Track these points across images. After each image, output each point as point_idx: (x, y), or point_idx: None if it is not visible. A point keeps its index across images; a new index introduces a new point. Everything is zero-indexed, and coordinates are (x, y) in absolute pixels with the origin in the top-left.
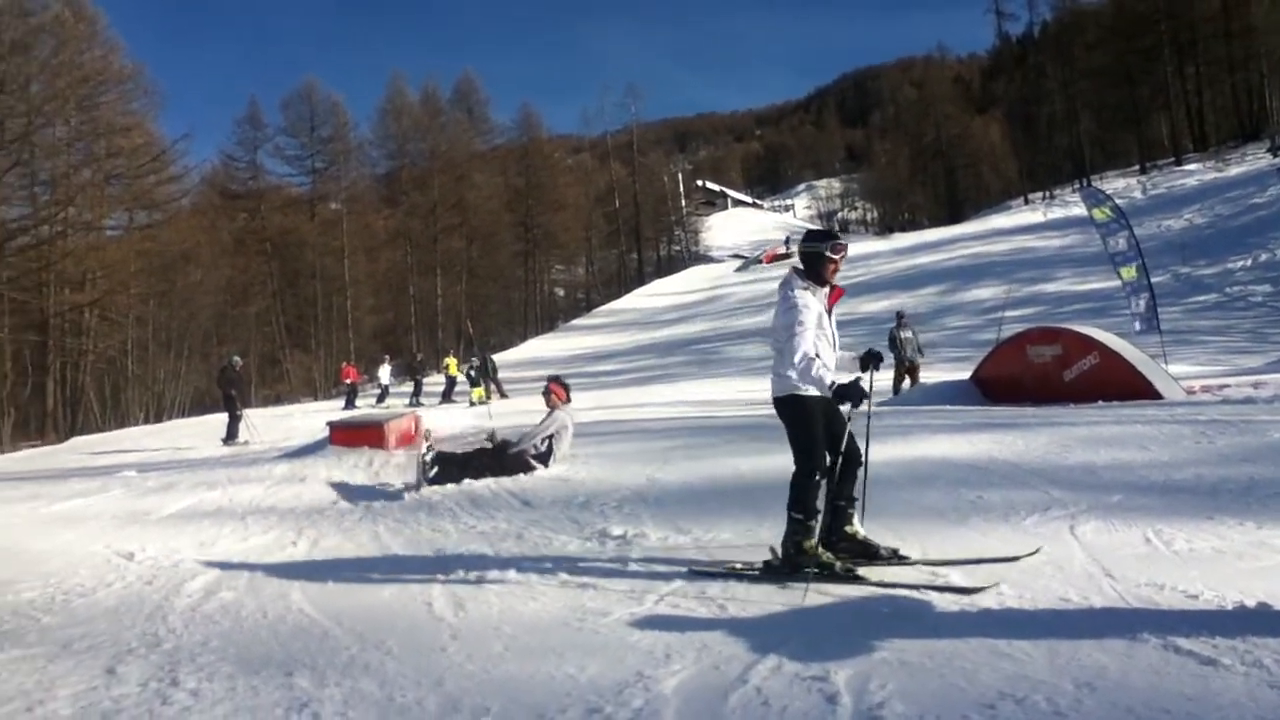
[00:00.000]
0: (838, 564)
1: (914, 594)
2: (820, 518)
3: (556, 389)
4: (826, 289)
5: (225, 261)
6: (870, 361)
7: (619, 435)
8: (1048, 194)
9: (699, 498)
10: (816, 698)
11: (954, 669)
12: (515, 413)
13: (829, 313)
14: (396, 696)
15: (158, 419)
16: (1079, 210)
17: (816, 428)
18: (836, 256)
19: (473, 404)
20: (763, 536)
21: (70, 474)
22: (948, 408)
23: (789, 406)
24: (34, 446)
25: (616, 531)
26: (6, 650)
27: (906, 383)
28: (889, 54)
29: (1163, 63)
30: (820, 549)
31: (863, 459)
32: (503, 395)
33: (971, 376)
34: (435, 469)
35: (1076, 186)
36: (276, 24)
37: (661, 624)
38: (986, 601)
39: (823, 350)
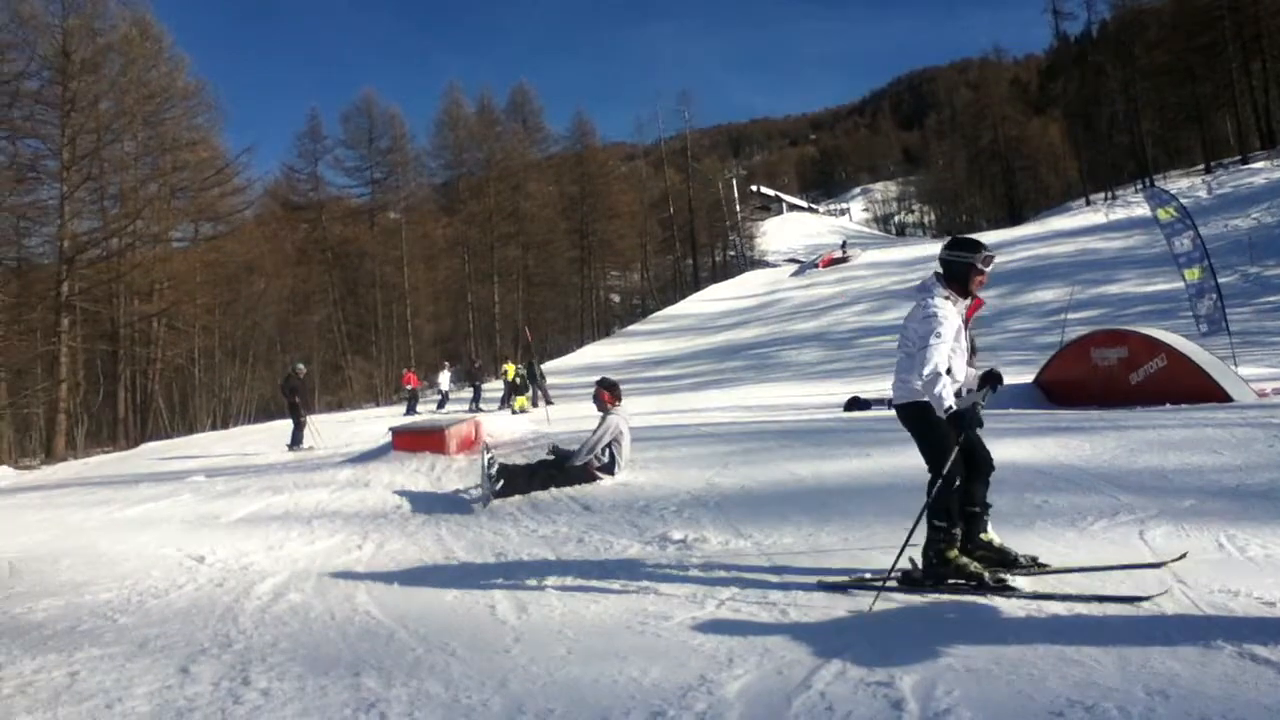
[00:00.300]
0: (986, 574)
1: (981, 600)
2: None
3: (605, 393)
4: (967, 300)
5: (288, 271)
6: (991, 382)
7: (677, 440)
8: (1109, 194)
9: (758, 502)
10: (881, 703)
11: (1021, 676)
12: (572, 418)
13: (966, 325)
14: (462, 698)
15: (224, 425)
16: (1142, 210)
17: (945, 433)
18: (986, 269)
19: (514, 412)
20: (824, 541)
21: (141, 479)
22: (1011, 411)
23: (914, 414)
24: (106, 452)
25: (677, 536)
26: (86, 649)
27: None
28: (944, 56)
29: (1227, 59)
30: (965, 558)
31: (993, 464)
32: (548, 402)
33: (1035, 380)
34: (501, 482)
35: (1139, 187)
36: (335, 39)
37: (723, 628)
38: (1055, 608)
39: (955, 365)
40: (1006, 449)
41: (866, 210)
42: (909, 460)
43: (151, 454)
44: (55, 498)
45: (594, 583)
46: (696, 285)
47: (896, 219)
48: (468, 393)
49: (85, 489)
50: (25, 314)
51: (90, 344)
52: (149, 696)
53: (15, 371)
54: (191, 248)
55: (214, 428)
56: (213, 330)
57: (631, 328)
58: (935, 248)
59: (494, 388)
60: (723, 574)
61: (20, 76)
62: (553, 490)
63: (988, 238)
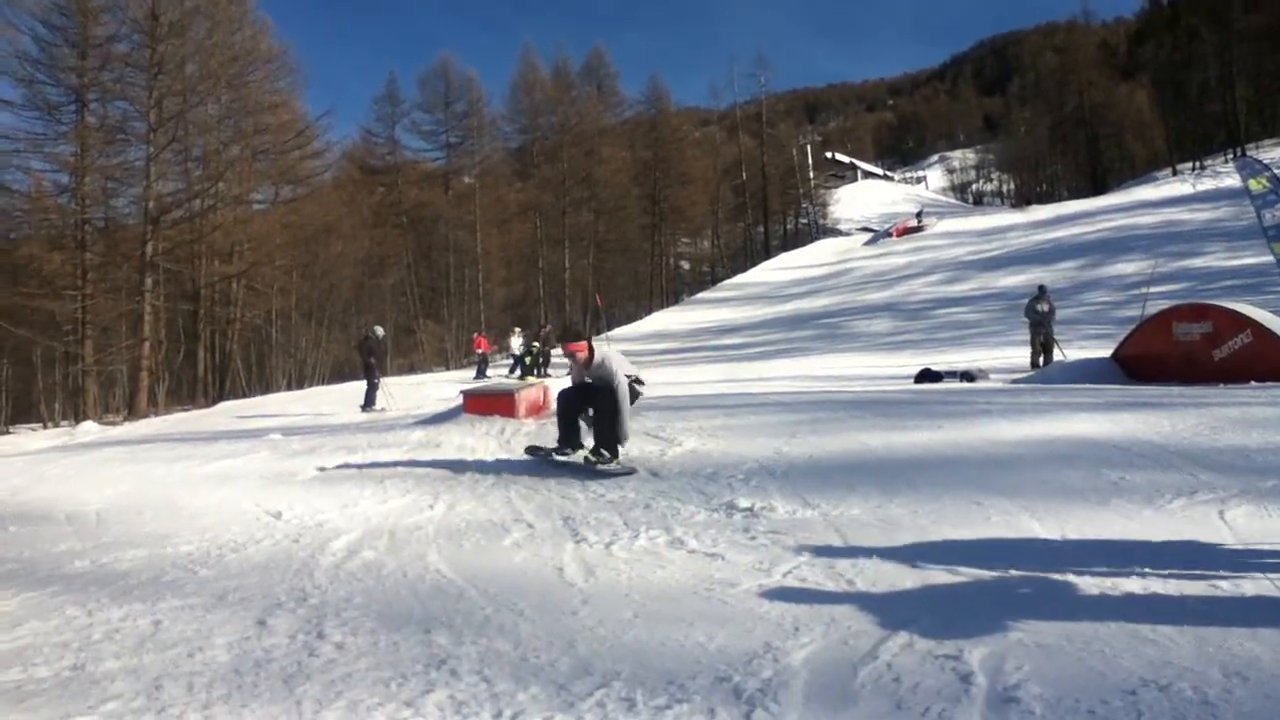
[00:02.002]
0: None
1: (1053, 575)
2: None
3: (575, 346)
4: None
5: (364, 234)
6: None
7: (745, 408)
8: (1197, 164)
9: (826, 472)
10: (950, 676)
11: (1093, 653)
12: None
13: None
14: (530, 657)
15: (300, 385)
16: (1231, 181)
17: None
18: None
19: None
20: (892, 513)
21: (220, 436)
22: (1088, 386)
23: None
24: (186, 410)
25: (744, 504)
26: (168, 599)
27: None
28: (1030, 19)
29: None
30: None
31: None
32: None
33: (1113, 354)
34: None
35: (1230, 156)
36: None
37: (789, 596)
38: (1129, 586)
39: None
40: (1082, 424)
41: (944, 178)
42: (981, 433)
43: (229, 412)
44: (138, 452)
45: (661, 548)
46: (767, 253)
47: (974, 187)
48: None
49: (166, 445)
50: (111, 273)
51: (172, 303)
52: (228, 647)
53: (101, 329)
54: (271, 210)
55: (289, 388)
56: (290, 292)
57: (700, 295)
58: (1014, 217)
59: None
60: (789, 543)
61: (112, 39)
62: (621, 457)
63: (1068, 207)
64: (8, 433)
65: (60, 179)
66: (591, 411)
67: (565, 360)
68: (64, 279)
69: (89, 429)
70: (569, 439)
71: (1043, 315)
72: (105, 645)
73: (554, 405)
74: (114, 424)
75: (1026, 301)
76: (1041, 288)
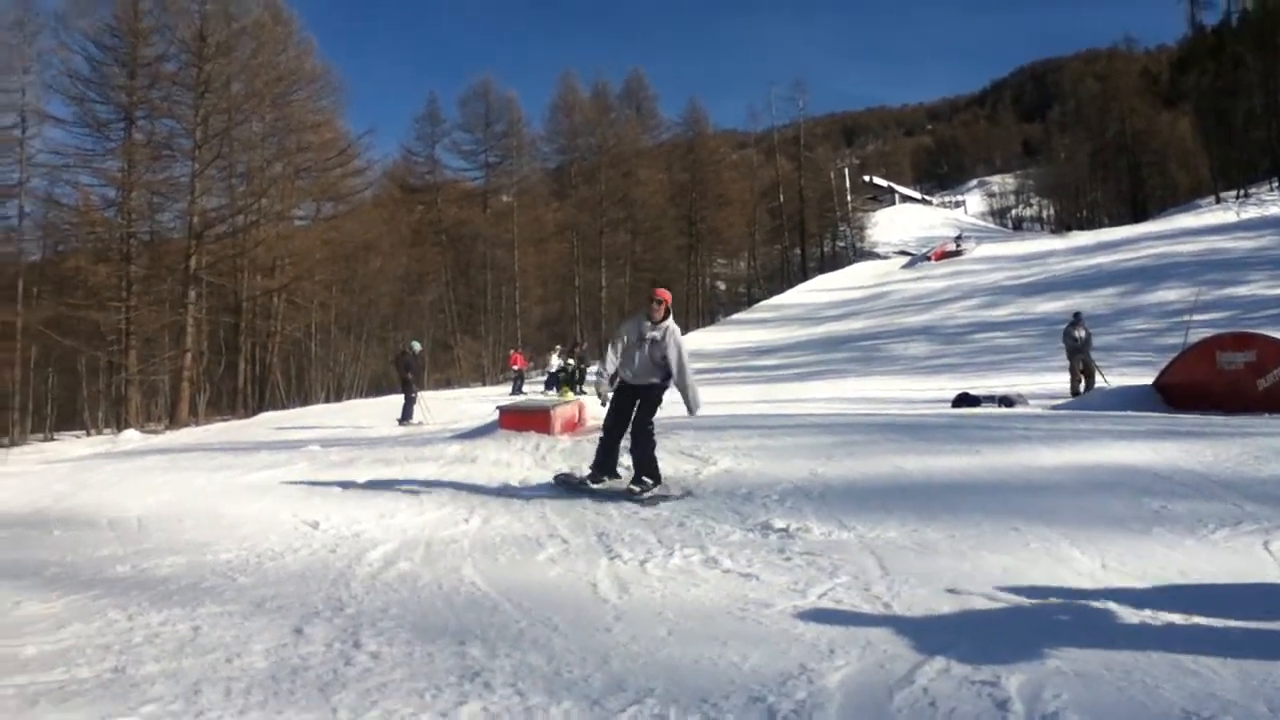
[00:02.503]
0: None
1: (1093, 603)
2: None
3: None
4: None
5: (403, 251)
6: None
7: (781, 429)
8: (1241, 192)
9: (862, 495)
10: (986, 702)
11: (1134, 683)
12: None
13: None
14: (564, 671)
15: (338, 398)
16: (1277, 209)
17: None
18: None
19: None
20: (929, 537)
21: (259, 447)
22: (1129, 413)
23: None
24: (226, 420)
25: (779, 524)
26: (207, 605)
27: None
28: (1070, 46)
29: None
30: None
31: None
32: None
33: (1154, 382)
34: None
35: (1275, 184)
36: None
37: (825, 618)
38: (1171, 616)
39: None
40: (1123, 451)
41: (983, 203)
42: (1020, 459)
43: (269, 423)
44: (179, 461)
45: (695, 566)
46: (804, 275)
47: (1014, 212)
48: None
49: (207, 454)
50: (156, 285)
51: (214, 316)
52: (265, 653)
53: (145, 340)
54: (312, 226)
55: (328, 400)
56: (329, 306)
57: (736, 316)
58: (1054, 243)
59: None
60: (824, 564)
61: (160, 59)
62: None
63: (1109, 233)
64: (52, 440)
65: (108, 193)
66: (634, 414)
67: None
68: (109, 290)
69: (131, 437)
70: (606, 464)
71: (1079, 341)
72: (145, 649)
73: (590, 423)
74: (156, 433)
75: (1064, 328)
76: (1077, 314)
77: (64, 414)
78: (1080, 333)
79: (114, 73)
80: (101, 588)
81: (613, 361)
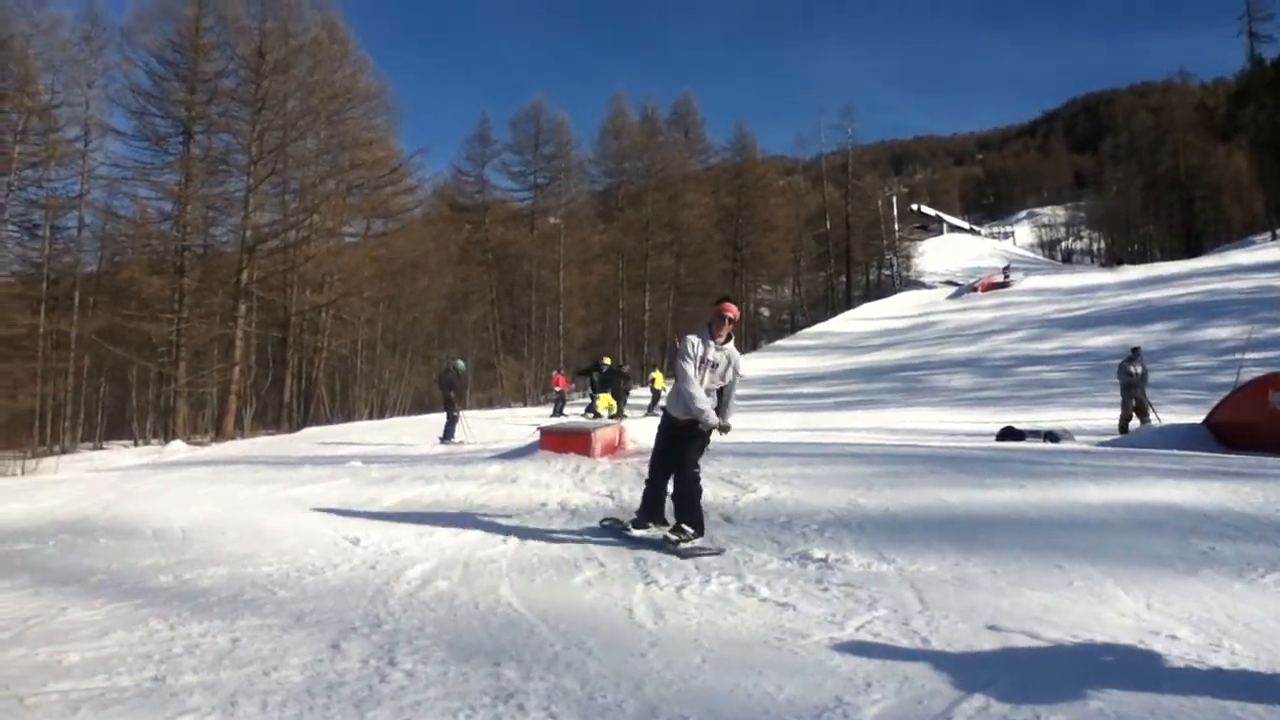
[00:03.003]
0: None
1: (1137, 644)
2: None
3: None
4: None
5: (450, 270)
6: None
7: (821, 458)
8: None
9: (903, 526)
10: None
11: None
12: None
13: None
14: (597, 696)
15: (381, 415)
16: None
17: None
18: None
19: (598, 415)
20: (970, 571)
21: (303, 461)
22: (1177, 452)
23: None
24: (271, 434)
25: (818, 554)
26: (247, 618)
27: (1135, 422)
28: (1124, 78)
29: None
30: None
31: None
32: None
33: (1205, 420)
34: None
35: None
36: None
37: (862, 650)
38: (1218, 660)
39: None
40: (1169, 490)
41: (1032, 234)
42: (1065, 495)
43: (312, 438)
44: (224, 473)
45: (732, 594)
46: (849, 303)
47: (1063, 245)
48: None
49: (251, 467)
50: (207, 298)
51: (263, 330)
52: (302, 668)
53: (194, 352)
54: (362, 243)
55: (371, 417)
56: (376, 323)
57: (779, 342)
58: (1104, 276)
59: (640, 395)
60: (863, 596)
61: (219, 75)
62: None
63: (1161, 268)
64: (101, 448)
65: (164, 206)
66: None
67: (640, 400)
68: (162, 302)
69: (178, 448)
70: (652, 510)
71: (1135, 377)
72: (185, 659)
73: (630, 446)
74: (202, 444)
75: (1119, 363)
76: (1135, 349)
77: (113, 423)
78: (1137, 368)
79: (174, 87)
80: (144, 597)
81: (700, 386)
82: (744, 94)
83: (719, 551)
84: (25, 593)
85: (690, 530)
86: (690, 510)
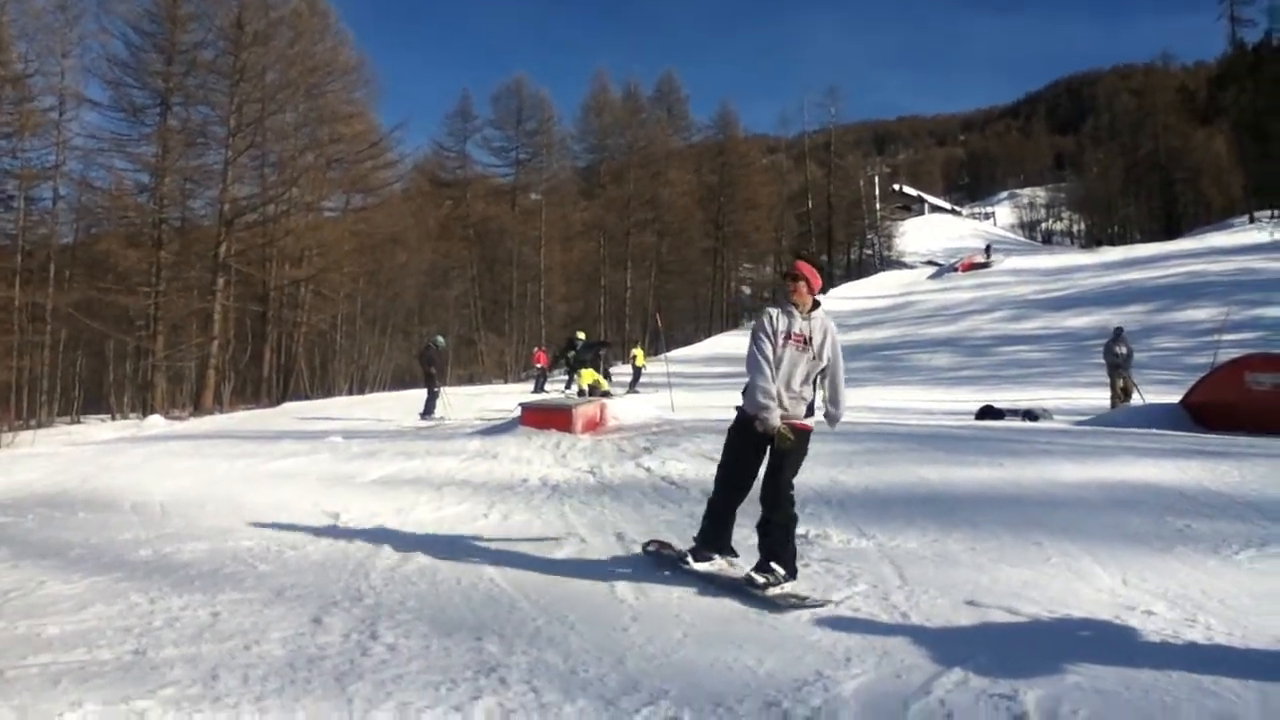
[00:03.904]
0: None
1: (1113, 619)
2: None
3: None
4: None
5: (430, 246)
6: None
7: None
8: (1276, 213)
9: (883, 503)
10: (1003, 716)
11: (1153, 702)
12: (696, 406)
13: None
14: (579, 670)
15: (361, 391)
16: None
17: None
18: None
19: (582, 391)
20: (950, 548)
21: (282, 436)
22: (1154, 431)
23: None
24: (249, 409)
25: (798, 531)
26: (227, 592)
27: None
28: (1107, 60)
29: None
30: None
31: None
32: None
33: (1182, 401)
34: None
35: None
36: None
37: (842, 626)
38: (1192, 635)
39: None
40: (1147, 469)
41: (1013, 215)
42: (1043, 473)
43: (292, 413)
44: (203, 448)
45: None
46: (830, 283)
47: (1044, 226)
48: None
49: (230, 441)
50: (185, 271)
51: (242, 304)
52: (283, 641)
53: (172, 326)
54: (341, 218)
55: (351, 393)
56: (356, 298)
57: None
58: (1083, 258)
59: (621, 372)
60: (843, 572)
61: (198, 46)
62: (675, 476)
63: (1140, 250)
64: (79, 423)
65: (141, 178)
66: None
67: (622, 378)
68: (139, 275)
69: (156, 422)
70: (719, 536)
71: (1121, 358)
72: (165, 632)
73: (611, 422)
74: (180, 419)
75: (1104, 344)
76: (1118, 330)
77: (90, 398)
78: (1122, 349)
79: (151, 58)
80: (123, 570)
81: (771, 375)
82: (728, 73)
83: (821, 604)
84: (3, 566)
85: (782, 572)
86: (784, 544)
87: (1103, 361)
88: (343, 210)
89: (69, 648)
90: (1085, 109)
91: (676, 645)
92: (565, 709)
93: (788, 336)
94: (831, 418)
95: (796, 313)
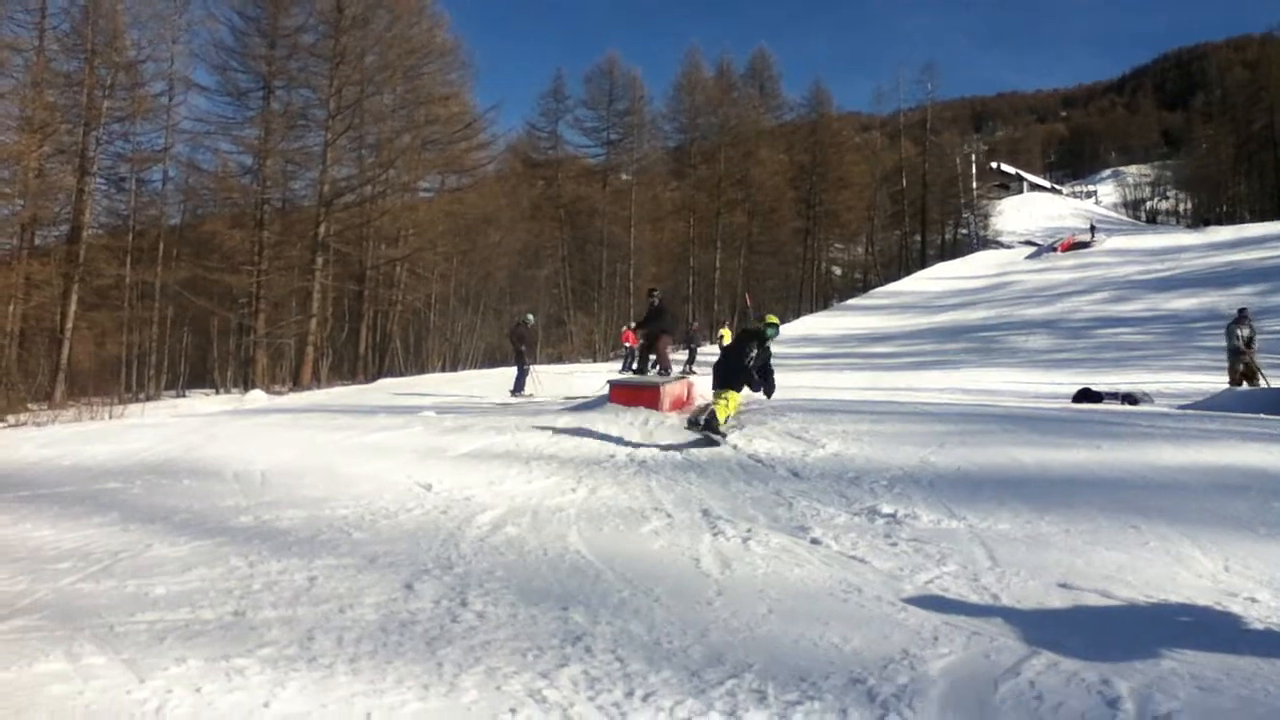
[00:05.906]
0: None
1: (1213, 606)
2: None
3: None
4: None
5: (522, 226)
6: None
7: (892, 415)
8: None
9: (974, 484)
10: (1095, 700)
11: (1255, 690)
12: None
13: None
14: (663, 641)
15: (453, 368)
16: None
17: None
18: None
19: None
20: (1043, 530)
21: (378, 410)
22: (1262, 416)
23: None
24: (346, 385)
25: (887, 510)
26: (323, 557)
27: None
28: (1219, 32)
29: None
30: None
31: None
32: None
33: None
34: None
35: None
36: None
37: (930, 605)
38: None
39: None
40: (1253, 454)
41: (1116, 194)
42: (1143, 456)
43: (387, 389)
44: (302, 420)
45: (799, 547)
46: (923, 262)
47: (1149, 205)
48: (683, 355)
49: (327, 415)
50: (286, 251)
51: (340, 283)
52: (376, 606)
53: (273, 304)
54: (436, 198)
55: (443, 370)
56: (449, 278)
57: (851, 301)
58: (1190, 237)
59: (709, 351)
60: (932, 552)
61: (299, 30)
62: (763, 454)
63: (1251, 229)
64: (184, 396)
65: (245, 161)
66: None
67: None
68: (242, 255)
69: (257, 397)
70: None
71: (1242, 340)
72: (264, 595)
73: (700, 400)
74: (280, 393)
75: (1226, 325)
76: (1242, 310)
77: (195, 372)
78: (1244, 331)
79: (255, 42)
80: (225, 535)
81: None
82: (822, 50)
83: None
84: (114, 529)
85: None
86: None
87: (1221, 344)
88: (437, 191)
89: (174, 607)
90: (1194, 83)
91: (761, 620)
92: (650, 678)
93: None
94: None
95: None
